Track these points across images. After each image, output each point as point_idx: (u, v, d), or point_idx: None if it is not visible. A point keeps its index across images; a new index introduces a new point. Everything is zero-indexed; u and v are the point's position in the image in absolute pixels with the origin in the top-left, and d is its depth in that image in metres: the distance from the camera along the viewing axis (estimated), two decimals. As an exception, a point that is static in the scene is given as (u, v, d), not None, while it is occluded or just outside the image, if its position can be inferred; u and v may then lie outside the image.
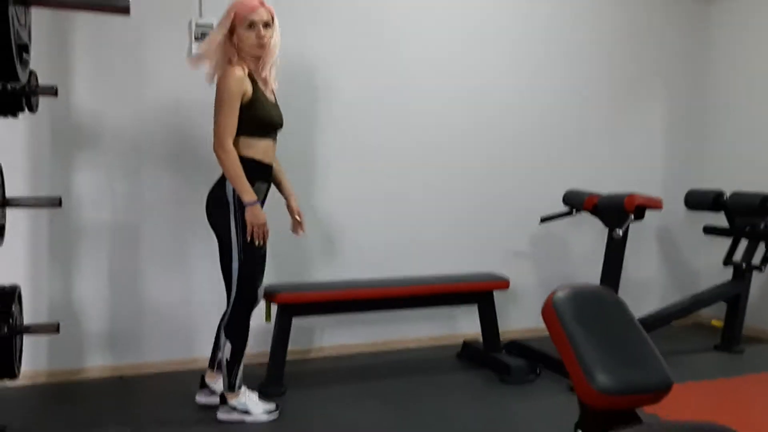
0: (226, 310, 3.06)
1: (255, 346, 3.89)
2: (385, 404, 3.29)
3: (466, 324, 4.40)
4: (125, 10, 1.89)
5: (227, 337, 3.02)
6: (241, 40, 2.97)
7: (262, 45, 2.98)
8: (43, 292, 3.58)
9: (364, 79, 4.15)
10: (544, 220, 4.35)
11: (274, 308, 3.54)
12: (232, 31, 2.98)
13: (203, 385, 3.26)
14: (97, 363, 3.70)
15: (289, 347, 3.55)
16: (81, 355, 3.68)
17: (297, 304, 3.47)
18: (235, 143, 2.95)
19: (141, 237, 3.75)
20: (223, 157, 2.91)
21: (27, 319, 3.22)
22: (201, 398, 3.25)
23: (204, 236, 3.84)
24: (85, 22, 3.57)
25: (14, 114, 2.85)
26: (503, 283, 3.88)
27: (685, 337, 4.66)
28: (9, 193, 3.06)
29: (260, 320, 3.86)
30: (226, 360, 3.03)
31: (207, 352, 3.87)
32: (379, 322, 4.29)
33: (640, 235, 4.73)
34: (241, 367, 3.07)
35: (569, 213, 4.25)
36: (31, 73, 2.83)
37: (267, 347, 3.56)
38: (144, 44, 3.69)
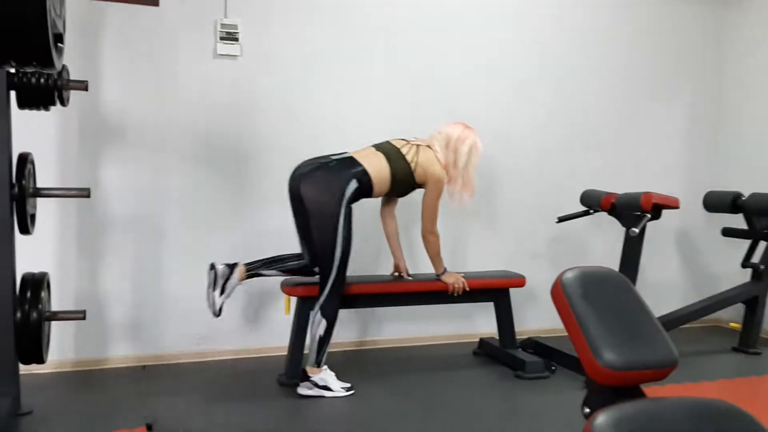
0: (322, 292, 3.30)
1: (273, 339, 3.99)
2: (401, 398, 3.34)
3: (482, 322, 4.43)
4: (154, 2, 1.97)
5: (323, 315, 3.30)
6: (467, 171, 3.53)
7: None
8: (70, 281, 3.68)
9: (391, 75, 4.22)
10: (561, 219, 4.37)
11: (293, 302, 3.60)
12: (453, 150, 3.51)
13: (304, 378, 3.35)
14: (120, 353, 3.80)
15: (307, 341, 3.61)
16: (105, 345, 3.77)
17: (316, 297, 3.52)
18: None
19: (165, 230, 3.84)
20: (432, 240, 3.55)
21: (54, 307, 3.32)
22: (303, 390, 3.34)
23: (225, 230, 3.95)
24: (114, 20, 3.68)
25: (46, 107, 2.97)
26: (519, 281, 3.91)
27: (703, 339, 4.65)
28: (39, 183, 3.17)
29: (280, 313, 3.94)
30: (319, 336, 3.30)
31: (226, 345, 3.97)
32: (396, 319, 4.35)
33: (659, 237, 4.74)
34: (328, 348, 3.33)
35: (586, 213, 4.28)
36: (63, 68, 2.94)
37: (286, 341, 3.62)
38: (170, 43, 3.79)
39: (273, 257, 3.46)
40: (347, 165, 3.33)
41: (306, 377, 3.32)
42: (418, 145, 3.51)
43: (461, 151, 3.50)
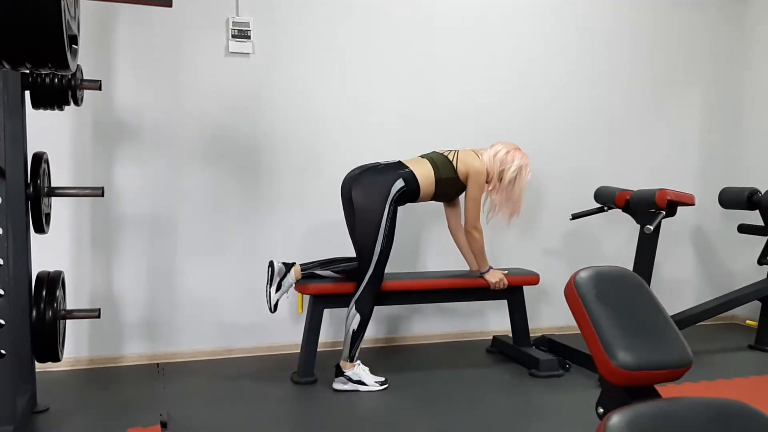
0: (359, 287, 3.40)
1: (287, 337, 4.00)
2: (415, 395, 3.33)
3: (495, 320, 4.43)
4: (167, 3, 1.98)
5: (357, 310, 3.38)
6: (511, 188, 3.62)
7: None
8: (85, 280, 3.71)
9: (406, 71, 4.22)
10: (575, 216, 4.35)
11: (305, 300, 3.61)
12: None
13: (339, 374, 3.42)
14: (134, 351, 3.82)
15: (321, 339, 3.62)
16: (119, 343, 3.80)
17: (328, 296, 3.53)
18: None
19: (178, 229, 3.86)
20: (476, 235, 3.59)
21: (69, 305, 3.35)
22: (338, 386, 3.41)
23: (240, 229, 3.96)
24: (126, 19, 3.70)
25: (61, 107, 2.99)
26: (533, 279, 3.89)
27: (719, 337, 4.61)
28: (54, 183, 3.20)
29: (293, 312, 3.96)
30: (353, 330, 3.39)
31: (241, 343, 3.99)
32: (410, 316, 4.35)
33: (674, 234, 4.71)
34: (361, 343, 3.42)
35: (601, 210, 4.25)
36: (77, 68, 2.96)
37: (299, 339, 3.63)
38: (182, 41, 3.80)
39: (328, 259, 3.56)
40: (395, 167, 3.47)
41: (340, 372, 3.40)
42: (460, 150, 3.65)
43: (509, 167, 3.59)
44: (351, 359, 3.41)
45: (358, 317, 3.38)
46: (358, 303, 3.39)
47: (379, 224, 3.34)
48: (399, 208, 3.44)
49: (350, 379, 3.38)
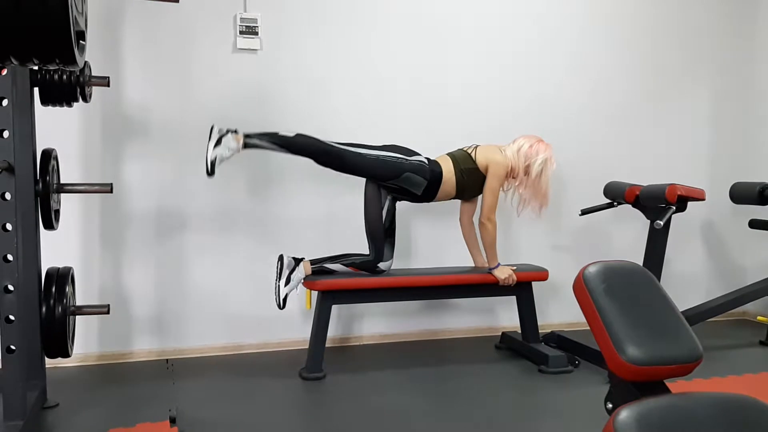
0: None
1: (295, 333, 4.01)
2: (423, 391, 3.33)
3: (505, 316, 4.42)
4: (175, -1, 1.97)
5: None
6: (539, 181, 3.65)
7: None
8: (94, 276, 3.73)
9: (414, 69, 4.21)
10: (584, 212, 4.33)
11: (314, 295, 3.61)
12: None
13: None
14: (143, 346, 3.84)
15: (329, 334, 3.62)
16: (128, 339, 3.82)
17: (337, 291, 3.53)
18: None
19: (187, 225, 3.87)
20: (490, 227, 3.62)
21: (79, 301, 3.36)
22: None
23: (249, 225, 3.96)
24: (134, 15, 3.71)
25: (69, 104, 3.00)
26: (542, 275, 3.88)
27: (730, 333, 4.58)
28: (63, 179, 3.21)
29: (302, 307, 3.96)
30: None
31: (249, 339, 4.00)
32: (418, 313, 4.34)
33: (684, 229, 4.68)
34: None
35: (610, 205, 4.23)
36: (85, 64, 2.97)
37: (308, 334, 3.63)
38: (190, 37, 3.81)
39: (339, 254, 3.59)
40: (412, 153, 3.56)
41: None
42: (481, 144, 3.71)
43: (535, 161, 3.62)
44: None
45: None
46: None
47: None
48: (417, 205, 3.56)
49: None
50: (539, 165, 3.62)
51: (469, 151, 3.65)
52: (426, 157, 3.56)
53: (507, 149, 3.67)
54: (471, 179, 3.61)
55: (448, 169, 3.58)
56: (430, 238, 4.30)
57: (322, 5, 4.04)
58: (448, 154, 3.67)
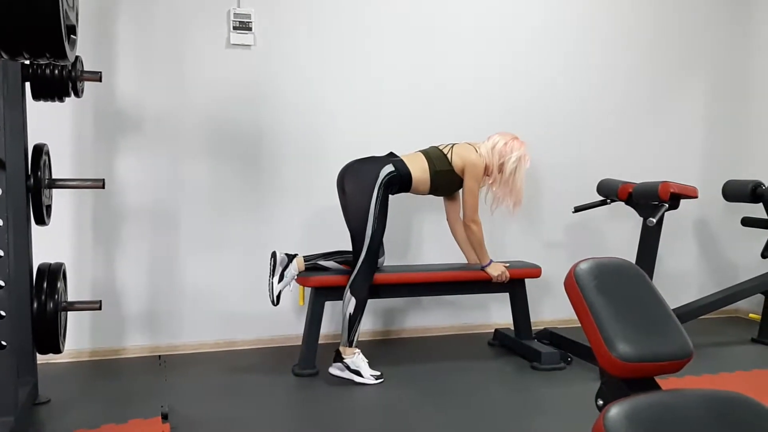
0: (353, 271, 3.41)
1: (288, 329, 4.01)
2: (415, 388, 3.33)
3: (497, 313, 4.42)
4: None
5: (352, 293, 3.39)
6: (512, 179, 3.61)
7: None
8: (86, 272, 3.71)
9: (407, 71, 4.20)
10: (577, 209, 4.33)
11: (307, 292, 3.61)
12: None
13: (337, 359, 3.44)
14: (136, 343, 3.83)
15: (322, 331, 3.62)
16: (121, 335, 3.81)
17: (329, 288, 3.52)
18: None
19: (180, 220, 3.85)
20: (474, 228, 3.60)
21: (71, 297, 3.35)
22: (334, 371, 3.45)
23: (242, 221, 3.96)
24: (127, 12, 3.69)
25: (61, 98, 2.98)
26: (535, 271, 3.88)
27: (722, 330, 4.60)
28: (55, 174, 3.19)
29: (295, 304, 3.96)
30: (349, 314, 3.39)
31: (242, 335, 4.00)
32: (411, 309, 4.34)
33: (677, 227, 4.69)
34: (359, 327, 3.42)
35: (603, 202, 4.24)
36: (77, 59, 2.95)
37: (300, 330, 3.63)
38: (184, 32, 3.79)
39: (332, 251, 3.57)
40: (386, 156, 3.54)
41: (339, 358, 3.41)
42: (457, 143, 3.65)
43: (509, 158, 3.59)
44: (350, 344, 3.40)
45: (353, 300, 3.39)
46: (353, 286, 3.40)
47: (368, 208, 3.35)
48: (394, 196, 3.47)
49: (348, 367, 3.38)
50: (513, 163, 3.59)
51: (445, 151, 3.59)
52: (393, 159, 3.50)
53: (481, 147, 3.63)
54: (446, 180, 3.59)
55: (421, 168, 3.52)
56: (423, 235, 4.30)
57: (315, 0, 4.02)
58: (422, 152, 3.61)
